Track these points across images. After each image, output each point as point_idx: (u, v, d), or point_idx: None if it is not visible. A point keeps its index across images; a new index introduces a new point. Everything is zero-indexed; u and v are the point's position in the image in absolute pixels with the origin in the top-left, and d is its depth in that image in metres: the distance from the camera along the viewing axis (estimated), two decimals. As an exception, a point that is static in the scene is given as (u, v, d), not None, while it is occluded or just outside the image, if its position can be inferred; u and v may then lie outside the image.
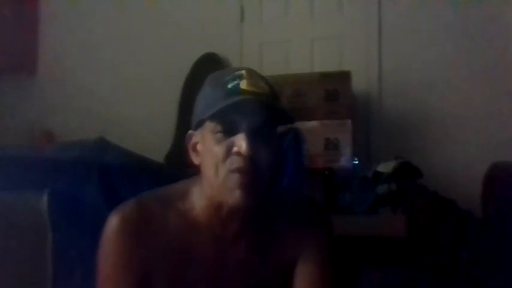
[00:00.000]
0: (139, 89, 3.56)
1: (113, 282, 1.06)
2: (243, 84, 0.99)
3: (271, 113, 1.01)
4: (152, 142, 3.10)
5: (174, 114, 3.35)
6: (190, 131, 1.08)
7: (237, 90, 0.99)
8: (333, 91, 2.75)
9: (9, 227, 1.52)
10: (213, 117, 1.00)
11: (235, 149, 0.99)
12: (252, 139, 0.98)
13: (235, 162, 0.98)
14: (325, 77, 2.81)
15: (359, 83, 2.97)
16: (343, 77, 2.81)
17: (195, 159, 1.07)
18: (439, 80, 3.00)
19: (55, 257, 1.47)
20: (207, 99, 1.02)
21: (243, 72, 1.03)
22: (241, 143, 0.98)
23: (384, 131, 3.03)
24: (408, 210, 2.37)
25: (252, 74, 1.03)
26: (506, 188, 2.24)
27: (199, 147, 1.06)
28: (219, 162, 1.00)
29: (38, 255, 1.48)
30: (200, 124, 1.04)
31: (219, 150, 1.00)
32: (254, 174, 0.99)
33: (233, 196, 0.99)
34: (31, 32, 3.82)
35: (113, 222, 1.06)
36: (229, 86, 1.00)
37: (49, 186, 1.49)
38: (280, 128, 1.08)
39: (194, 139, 1.07)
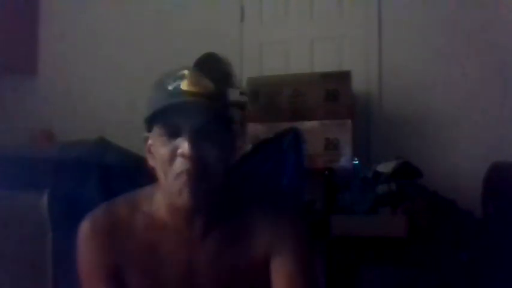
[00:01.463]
0: (139, 89, 3.55)
1: (93, 277, 1.11)
2: (184, 85, 1.00)
3: (213, 112, 1.01)
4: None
5: (174, 114, 3.35)
6: (145, 134, 1.09)
7: (177, 91, 0.99)
8: (333, 91, 2.75)
9: (9, 226, 1.52)
10: (154, 121, 1.02)
11: (179, 151, 0.99)
12: (195, 140, 0.99)
13: (180, 164, 1.00)
14: (325, 77, 2.81)
15: (359, 83, 2.97)
16: (343, 77, 2.81)
17: (151, 161, 1.08)
18: (439, 80, 3.00)
19: (55, 257, 1.47)
20: (150, 100, 1.04)
21: (185, 72, 1.03)
22: (184, 145, 0.99)
23: (384, 131, 3.03)
24: (408, 210, 2.37)
25: (195, 73, 1.03)
26: (506, 188, 2.25)
27: (152, 149, 1.07)
28: (166, 165, 1.01)
29: (38, 254, 1.48)
30: (149, 127, 1.06)
31: (164, 153, 1.01)
32: (200, 175, 1.00)
33: (181, 198, 1.01)
34: (31, 32, 3.82)
35: (84, 225, 1.11)
36: (170, 87, 1.00)
37: (49, 186, 1.49)
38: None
39: (149, 141, 1.08)
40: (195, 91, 1.00)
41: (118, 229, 1.10)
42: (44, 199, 1.47)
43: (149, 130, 1.07)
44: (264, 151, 1.85)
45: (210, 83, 1.03)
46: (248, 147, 1.95)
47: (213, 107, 1.01)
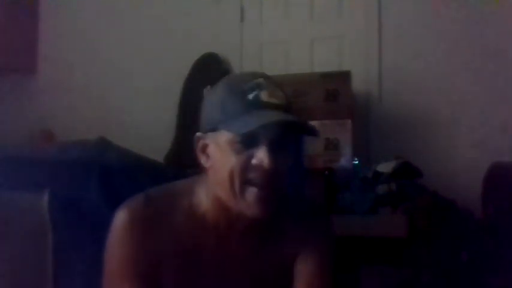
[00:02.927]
0: (139, 89, 3.56)
1: (120, 275, 1.07)
2: (264, 96, 0.99)
3: (292, 126, 1.01)
4: (152, 142, 3.10)
5: (174, 114, 3.35)
6: (199, 133, 1.07)
7: (258, 101, 0.98)
8: (333, 91, 2.75)
9: (10, 227, 1.52)
10: (227, 127, 0.99)
11: (254, 161, 0.98)
12: (273, 153, 0.98)
13: (255, 175, 0.99)
14: (325, 77, 2.81)
15: (359, 83, 2.97)
16: (343, 77, 2.81)
17: (205, 162, 1.06)
18: (439, 80, 3.00)
19: (56, 257, 1.47)
20: (224, 107, 1.01)
21: (262, 80, 1.02)
22: (263, 156, 0.97)
23: (383, 131, 3.03)
24: (408, 210, 2.37)
25: (270, 83, 1.03)
26: (506, 188, 2.25)
27: (210, 150, 1.05)
28: (235, 173, 0.99)
29: (38, 255, 1.48)
30: (213, 129, 1.03)
31: (237, 161, 0.99)
32: (273, 188, 1.00)
33: (251, 209, 1.00)
34: (31, 32, 3.82)
35: (121, 216, 1.08)
36: (250, 96, 0.99)
37: (49, 187, 1.49)
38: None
39: (203, 142, 1.06)
40: (274, 103, 0.99)
41: (157, 221, 1.07)
42: (44, 199, 1.47)
43: (208, 130, 1.04)
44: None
45: (282, 93, 1.03)
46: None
47: (290, 119, 1.00)
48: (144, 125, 3.39)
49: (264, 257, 1.12)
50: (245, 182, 0.99)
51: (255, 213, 1.00)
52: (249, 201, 0.99)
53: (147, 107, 3.46)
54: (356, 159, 2.63)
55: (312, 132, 1.04)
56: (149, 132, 3.33)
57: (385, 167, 2.53)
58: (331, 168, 2.57)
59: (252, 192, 0.99)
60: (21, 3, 3.78)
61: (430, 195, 2.48)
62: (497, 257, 2.16)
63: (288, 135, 1.01)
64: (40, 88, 3.81)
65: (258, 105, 0.98)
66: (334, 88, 2.75)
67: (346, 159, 2.63)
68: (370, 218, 2.41)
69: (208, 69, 3.33)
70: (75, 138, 2.12)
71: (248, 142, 0.99)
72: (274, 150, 0.98)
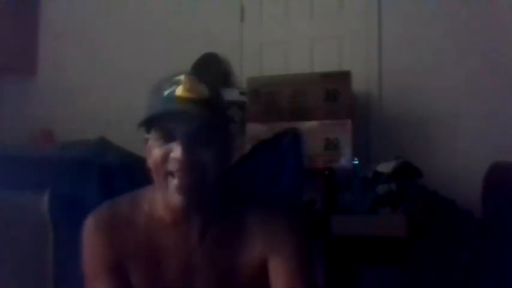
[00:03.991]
0: (139, 89, 3.55)
1: (91, 274, 1.15)
2: (179, 91, 1.04)
3: (205, 118, 1.05)
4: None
5: (174, 114, 3.35)
6: (145, 135, 1.13)
7: (172, 97, 1.04)
8: (333, 91, 2.75)
9: (10, 227, 1.52)
10: (151, 124, 1.07)
11: (171, 154, 1.04)
12: (187, 145, 1.03)
13: (173, 168, 1.04)
14: (325, 77, 2.81)
15: (359, 83, 2.97)
16: (343, 77, 2.81)
17: (149, 162, 1.11)
18: (439, 80, 3.00)
19: (56, 257, 1.47)
20: (148, 105, 1.09)
21: (181, 77, 1.07)
22: (177, 149, 1.03)
23: (384, 131, 3.03)
24: (408, 210, 2.37)
25: (191, 79, 1.07)
26: (506, 188, 2.25)
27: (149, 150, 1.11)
28: (159, 167, 1.06)
29: (38, 255, 1.49)
30: (149, 129, 1.10)
31: (157, 154, 1.05)
32: (192, 177, 1.04)
33: (173, 198, 1.05)
34: (31, 32, 3.82)
35: (88, 221, 1.16)
36: (166, 93, 1.05)
37: (49, 186, 1.49)
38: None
39: (149, 143, 1.11)
40: (189, 97, 1.04)
41: (120, 225, 1.15)
42: (45, 199, 1.47)
43: (148, 132, 1.11)
44: (263, 151, 1.85)
45: (204, 88, 1.06)
46: (248, 147, 1.95)
47: (204, 113, 1.04)
48: (143, 127, 3.38)
49: (227, 257, 1.14)
50: (166, 173, 1.05)
51: (177, 203, 1.05)
52: (171, 191, 1.05)
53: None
54: (356, 159, 2.63)
55: (222, 123, 1.10)
56: (149, 132, 3.33)
57: (385, 167, 2.53)
58: (331, 168, 2.57)
59: (172, 183, 1.04)
60: (21, 3, 3.79)
61: (430, 195, 2.48)
62: (497, 257, 2.16)
63: (202, 128, 1.04)
64: (40, 88, 3.81)
65: (172, 100, 1.04)
66: (334, 88, 2.75)
67: (346, 159, 2.63)
68: (370, 218, 2.41)
69: (208, 69, 3.33)
70: (75, 138, 2.13)
71: (166, 137, 1.04)
72: (189, 142, 1.03)
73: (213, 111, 1.06)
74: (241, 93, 2.89)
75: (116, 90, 3.61)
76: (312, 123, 2.70)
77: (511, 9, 2.89)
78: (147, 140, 1.12)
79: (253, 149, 1.75)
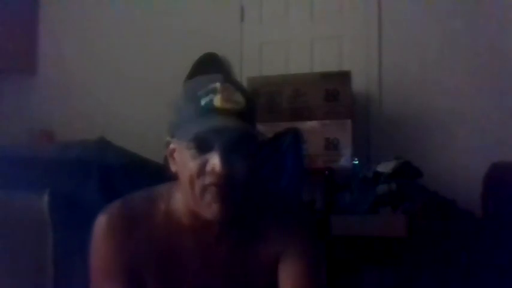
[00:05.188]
0: (139, 89, 3.56)
1: (103, 275, 1.10)
2: (217, 101, 1.00)
3: (244, 130, 1.02)
4: (152, 142, 3.09)
5: (174, 114, 3.35)
6: (168, 138, 1.09)
7: (210, 107, 0.99)
8: (333, 91, 2.75)
9: (10, 226, 1.52)
10: (184, 133, 1.02)
11: (209, 166, 1.00)
12: (225, 157, 1.00)
13: (211, 180, 1.00)
14: (325, 77, 2.81)
15: (359, 83, 2.97)
16: (343, 77, 2.81)
17: (172, 166, 1.09)
18: (439, 80, 3.00)
19: (56, 257, 1.47)
20: (180, 113, 1.04)
21: (218, 85, 1.02)
22: (215, 161, 0.99)
23: (383, 131, 3.03)
24: (408, 210, 2.37)
25: (227, 87, 1.02)
26: (506, 188, 2.25)
27: (176, 155, 1.08)
28: (194, 177, 1.01)
29: (39, 254, 1.49)
30: (173, 135, 1.07)
31: (193, 166, 1.01)
32: (229, 190, 1.01)
33: (209, 211, 1.02)
34: (31, 32, 3.82)
35: (101, 220, 1.11)
36: (203, 102, 1.00)
37: (50, 186, 1.49)
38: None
39: (172, 146, 1.08)
40: (228, 108, 1.00)
41: (135, 225, 1.10)
42: (45, 199, 1.47)
43: (173, 136, 1.07)
44: (263, 151, 1.85)
45: (241, 97, 1.03)
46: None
47: (243, 125, 1.01)
48: (144, 125, 3.39)
49: (244, 258, 1.13)
50: (203, 186, 1.01)
51: (214, 216, 1.03)
52: (207, 204, 1.02)
53: (147, 107, 3.46)
54: (356, 159, 2.63)
55: (255, 138, 1.06)
56: (149, 132, 3.33)
57: (385, 167, 2.53)
58: (331, 168, 2.57)
59: (209, 196, 1.01)
60: (21, 3, 3.79)
61: (430, 195, 2.48)
62: (497, 257, 2.16)
63: (241, 140, 1.02)
64: (40, 88, 3.81)
65: (210, 111, 1.00)
66: (334, 88, 2.75)
67: (346, 159, 2.63)
68: (370, 218, 2.41)
69: (208, 69, 3.33)
70: (75, 138, 2.12)
71: (202, 147, 1.01)
72: (228, 154, 1.00)
73: (249, 121, 1.03)
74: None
75: (116, 90, 3.61)
76: (312, 123, 2.70)
77: (511, 9, 2.89)
78: (169, 143, 1.09)
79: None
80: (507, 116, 2.82)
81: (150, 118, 3.43)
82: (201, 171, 1.01)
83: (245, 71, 3.26)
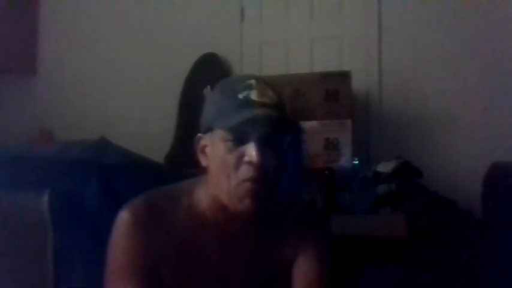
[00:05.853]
0: (139, 89, 3.56)
1: (123, 273, 1.10)
2: (254, 95, 1.05)
3: (280, 124, 1.06)
4: (152, 142, 3.10)
5: (174, 114, 3.36)
6: (199, 134, 1.11)
7: (248, 101, 1.04)
8: (333, 91, 2.75)
9: (10, 226, 1.52)
10: (220, 125, 1.05)
11: (246, 158, 1.03)
12: (261, 149, 1.03)
13: (247, 171, 1.03)
14: (325, 77, 2.81)
15: (359, 83, 2.97)
16: (343, 77, 2.81)
17: (203, 161, 1.11)
18: (439, 80, 3.01)
19: (56, 257, 1.47)
20: (218, 106, 1.07)
21: (253, 81, 1.07)
22: (252, 153, 1.02)
23: (383, 131, 3.03)
24: (408, 210, 2.37)
25: (261, 84, 1.08)
26: (506, 188, 2.25)
27: (208, 150, 1.10)
28: (230, 170, 1.04)
29: (38, 254, 1.49)
30: (210, 129, 1.08)
31: (230, 158, 1.04)
32: (264, 183, 1.04)
33: (243, 203, 1.05)
34: (31, 32, 3.82)
35: (123, 216, 1.12)
36: (240, 96, 1.05)
37: (50, 186, 1.49)
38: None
39: (203, 142, 1.10)
40: (264, 102, 1.04)
41: (158, 220, 1.12)
42: (45, 199, 1.47)
43: (205, 131, 1.09)
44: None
45: (273, 93, 1.08)
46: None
47: (279, 118, 1.05)
48: (144, 125, 3.39)
49: (262, 256, 1.15)
50: (239, 178, 1.04)
51: (248, 208, 1.05)
52: (242, 195, 1.04)
53: (147, 107, 3.46)
54: (356, 159, 2.63)
55: (298, 129, 1.11)
56: (149, 132, 3.34)
57: (385, 167, 2.53)
58: (331, 168, 2.57)
59: (244, 187, 1.04)
60: (21, 3, 3.79)
61: (430, 195, 2.48)
62: (497, 257, 2.16)
63: (276, 132, 1.05)
64: (40, 88, 3.82)
65: (248, 104, 1.04)
66: (334, 88, 2.75)
67: (346, 159, 2.63)
68: (370, 218, 2.41)
69: (208, 69, 3.33)
70: (75, 138, 2.13)
71: (239, 139, 1.04)
72: (263, 146, 1.03)
73: (283, 116, 1.07)
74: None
75: (116, 90, 3.62)
76: (312, 123, 2.70)
77: (510, 9, 2.89)
78: (200, 138, 1.11)
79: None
80: (507, 116, 2.82)
81: (150, 118, 3.43)
82: (238, 163, 1.04)
83: (245, 71, 3.26)
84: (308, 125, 2.66)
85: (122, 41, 3.67)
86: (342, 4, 3.28)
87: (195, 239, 1.12)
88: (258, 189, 1.03)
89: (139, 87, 3.56)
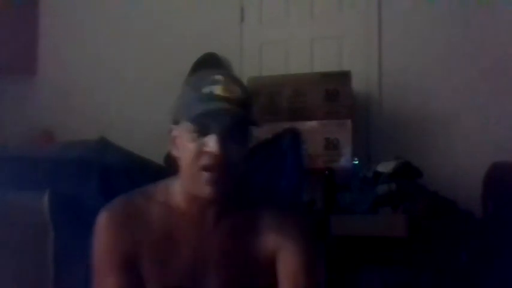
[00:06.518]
0: (139, 89, 3.56)
1: (103, 269, 1.17)
2: (218, 90, 1.10)
3: (240, 117, 1.12)
4: (152, 142, 3.10)
5: (174, 114, 3.35)
6: (170, 125, 1.19)
7: (211, 95, 1.10)
8: (333, 91, 2.75)
9: (11, 226, 1.52)
10: (185, 118, 1.12)
11: (206, 148, 1.09)
12: (222, 140, 1.09)
13: (206, 159, 1.09)
14: (325, 77, 2.82)
15: (359, 83, 2.97)
16: (343, 77, 2.81)
17: (175, 152, 1.18)
18: (439, 80, 3.01)
19: (56, 257, 1.47)
20: (184, 99, 1.14)
21: (220, 77, 1.13)
22: (212, 143, 1.08)
23: (383, 131, 3.03)
24: (408, 210, 2.37)
25: (228, 80, 1.14)
26: (506, 188, 2.25)
27: (177, 141, 1.16)
28: (192, 159, 1.11)
29: (39, 254, 1.49)
30: (177, 121, 1.16)
31: (192, 148, 1.11)
32: (223, 171, 1.10)
33: (204, 191, 1.11)
34: (31, 32, 3.82)
35: (102, 216, 1.19)
36: (204, 90, 1.10)
37: (50, 186, 1.49)
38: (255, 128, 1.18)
39: (174, 133, 1.17)
40: (227, 96, 1.10)
41: (134, 219, 1.18)
42: (45, 199, 1.47)
43: (175, 123, 1.16)
44: (263, 152, 1.85)
45: (239, 89, 1.13)
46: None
47: (240, 112, 1.11)
48: (144, 125, 3.39)
49: (240, 249, 1.19)
50: (200, 168, 1.10)
51: (208, 194, 1.10)
52: (202, 183, 1.10)
53: (147, 107, 3.46)
54: (356, 159, 2.63)
55: (253, 123, 1.16)
56: (149, 132, 3.33)
57: (385, 167, 2.53)
58: (331, 168, 2.57)
59: (204, 174, 1.10)
60: (21, 3, 3.79)
61: (430, 195, 2.48)
62: (497, 257, 2.16)
63: (235, 126, 1.11)
64: (40, 88, 3.82)
65: (210, 97, 1.09)
66: (334, 88, 2.75)
67: (346, 159, 2.63)
68: (370, 218, 2.41)
69: (208, 69, 3.33)
70: (75, 138, 2.12)
71: (202, 131, 1.10)
72: (223, 138, 1.09)
73: (246, 110, 1.12)
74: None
75: (116, 90, 3.61)
76: (312, 123, 2.70)
77: (510, 10, 2.89)
78: (171, 129, 1.18)
79: (254, 149, 1.75)
80: (507, 116, 2.82)
81: (150, 118, 3.43)
82: (199, 152, 1.10)
83: (245, 71, 3.26)
84: (308, 125, 2.66)
85: (122, 41, 3.67)
86: (342, 4, 3.28)
87: (171, 233, 1.17)
88: (216, 177, 1.09)
89: (139, 87, 3.56)
